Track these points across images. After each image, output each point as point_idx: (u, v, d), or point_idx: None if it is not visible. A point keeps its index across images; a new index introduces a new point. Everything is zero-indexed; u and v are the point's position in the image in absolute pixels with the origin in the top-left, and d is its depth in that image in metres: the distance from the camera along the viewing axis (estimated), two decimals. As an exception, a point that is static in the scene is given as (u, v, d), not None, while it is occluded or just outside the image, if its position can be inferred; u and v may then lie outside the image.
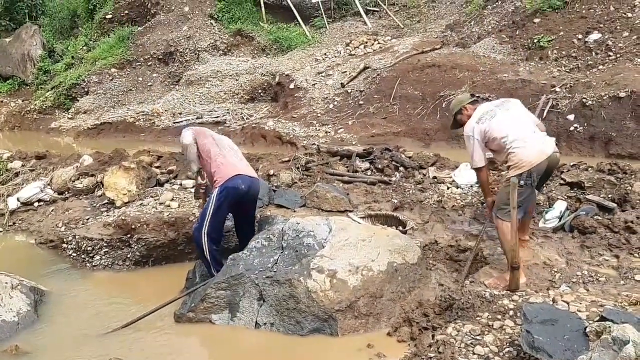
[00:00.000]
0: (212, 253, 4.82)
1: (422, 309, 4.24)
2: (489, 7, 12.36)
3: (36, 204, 7.26)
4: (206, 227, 4.80)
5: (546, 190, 5.84)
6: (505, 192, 4.31)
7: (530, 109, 8.44)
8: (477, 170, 4.67)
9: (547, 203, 5.66)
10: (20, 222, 7.05)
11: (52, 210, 6.99)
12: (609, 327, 2.79)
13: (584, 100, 8.26)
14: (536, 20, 10.56)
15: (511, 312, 3.75)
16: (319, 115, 10.61)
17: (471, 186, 6.26)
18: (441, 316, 4.11)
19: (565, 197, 5.66)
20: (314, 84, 11.62)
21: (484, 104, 4.78)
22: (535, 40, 10.10)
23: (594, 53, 9.38)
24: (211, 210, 4.81)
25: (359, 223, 5.28)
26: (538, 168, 4.30)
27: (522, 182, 4.23)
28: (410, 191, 6.41)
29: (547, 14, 10.50)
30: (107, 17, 17.26)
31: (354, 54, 12.68)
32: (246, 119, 11.40)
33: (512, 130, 4.39)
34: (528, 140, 4.34)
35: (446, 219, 5.64)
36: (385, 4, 15.22)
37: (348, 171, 7.05)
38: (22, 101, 15.97)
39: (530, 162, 4.25)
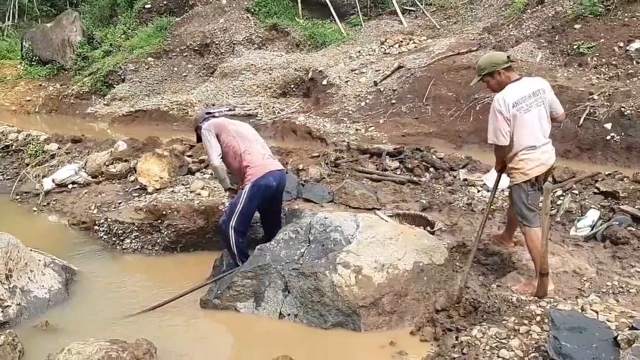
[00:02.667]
0: (238, 246, 4.87)
1: (447, 310, 4.23)
2: (528, 11, 12.17)
3: (70, 186, 7.44)
4: (234, 221, 4.84)
5: (580, 199, 5.75)
6: (519, 197, 4.26)
7: (567, 116, 8.38)
8: (496, 146, 4.32)
9: (580, 211, 5.57)
10: (54, 202, 7.23)
11: (85, 193, 7.15)
12: (641, 337, 2.75)
13: (622, 109, 8.08)
14: (577, 26, 10.36)
15: (538, 318, 3.71)
16: (350, 112, 10.60)
17: (502, 190, 6.19)
18: (466, 318, 4.09)
19: (599, 206, 5.55)
20: (347, 81, 11.61)
21: (521, 82, 4.23)
22: (575, 47, 9.91)
23: (634, 62, 9.16)
24: (241, 206, 4.84)
25: (386, 221, 5.28)
26: (543, 175, 4.26)
27: (534, 187, 4.20)
28: (440, 192, 6.37)
29: (589, 20, 10.29)
30: (146, 6, 17.51)
31: (389, 53, 12.61)
32: (277, 113, 11.46)
33: (535, 136, 4.18)
34: (543, 150, 4.21)
35: (475, 222, 5.59)
36: (422, 4, 15.11)
37: (377, 169, 7.04)
38: (60, 86, 16.30)
39: (539, 171, 4.19)
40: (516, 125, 4.13)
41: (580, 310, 3.68)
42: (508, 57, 4.30)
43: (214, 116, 5.28)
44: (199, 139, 5.29)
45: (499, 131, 4.13)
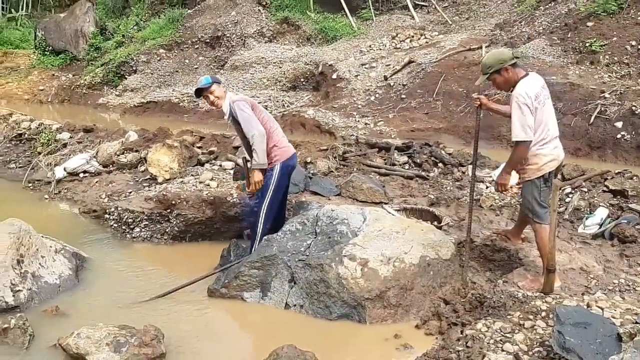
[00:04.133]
0: (264, 231, 4.89)
1: (452, 305, 4.25)
2: (541, 7, 12.09)
3: (81, 175, 7.53)
4: (266, 204, 4.86)
5: (588, 197, 5.75)
6: (531, 193, 4.24)
7: (578, 114, 8.36)
8: (521, 143, 4.06)
9: (588, 209, 5.56)
10: (65, 191, 7.31)
11: (96, 182, 7.23)
12: (644, 331, 2.76)
13: (633, 108, 8.04)
14: (589, 23, 10.28)
15: (543, 314, 3.72)
16: (359, 106, 10.60)
17: (511, 187, 6.18)
18: (471, 313, 4.11)
19: (608, 204, 5.54)
20: (357, 76, 11.60)
21: (532, 75, 4.21)
22: (587, 44, 9.84)
23: (647, 61, 9.11)
24: (273, 187, 4.86)
25: (393, 215, 5.30)
26: (554, 170, 4.27)
27: (548, 184, 4.18)
28: (448, 188, 6.38)
29: (601, 18, 10.21)
30: (158, -2, 17.58)
31: (399, 48, 12.59)
32: (287, 106, 11.47)
33: (549, 130, 4.16)
34: (554, 145, 4.20)
35: (483, 218, 5.60)
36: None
37: (385, 164, 7.05)
38: (73, 76, 16.40)
39: (552, 166, 4.19)
40: (540, 118, 4.09)
41: (585, 307, 3.69)
42: (513, 53, 4.26)
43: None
44: (199, 96, 5.00)
45: (527, 127, 4.00)
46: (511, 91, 4.18)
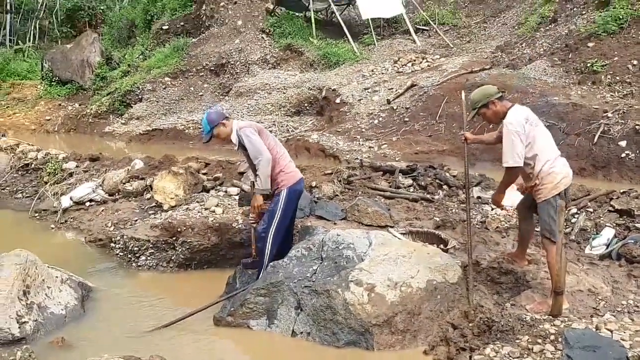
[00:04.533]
0: (271, 257, 4.88)
1: (460, 329, 4.21)
2: (541, 29, 12.21)
3: (88, 204, 7.56)
4: (274, 228, 4.86)
5: (594, 217, 5.72)
6: (548, 212, 4.23)
7: (581, 134, 8.37)
8: (512, 169, 4.26)
9: (595, 230, 5.53)
10: (72, 220, 7.34)
11: (102, 210, 7.25)
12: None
13: (637, 126, 8.05)
14: (590, 44, 10.36)
15: (552, 337, 3.67)
16: (363, 130, 10.66)
17: (512, 207, 6.17)
18: (480, 337, 4.07)
19: (614, 224, 5.52)
20: (360, 100, 11.68)
21: (519, 105, 4.42)
22: (589, 65, 9.91)
23: (649, 79, 9.15)
24: (280, 212, 4.86)
25: (399, 239, 5.28)
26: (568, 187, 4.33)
27: (564, 202, 4.17)
28: (453, 210, 6.37)
29: (602, 39, 10.29)
30: (163, 27, 17.84)
31: (402, 72, 12.70)
32: (291, 131, 11.55)
33: (552, 148, 4.30)
34: (563, 162, 4.30)
35: (489, 240, 5.58)
36: (435, 23, 15.22)
37: (390, 187, 7.06)
38: (79, 105, 16.61)
39: (567, 182, 4.25)
40: (536, 140, 4.21)
41: (594, 329, 3.65)
42: (498, 88, 4.50)
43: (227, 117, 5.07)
44: (210, 140, 5.04)
45: (516, 154, 4.14)
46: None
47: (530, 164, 4.24)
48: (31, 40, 24.70)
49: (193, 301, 4.98)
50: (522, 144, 4.15)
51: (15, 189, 9.04)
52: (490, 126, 8.41)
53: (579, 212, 5.88)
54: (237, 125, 4.93)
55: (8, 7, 24.85)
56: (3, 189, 9.10)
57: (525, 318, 4.04)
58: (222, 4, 16.74)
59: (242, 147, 4.87)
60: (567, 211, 5.79)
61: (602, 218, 5.67)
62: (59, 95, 17.43)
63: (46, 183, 8.66)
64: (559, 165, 4.24)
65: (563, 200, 4.18)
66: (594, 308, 4.23)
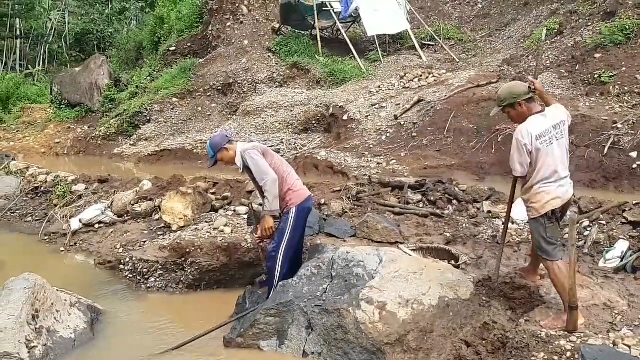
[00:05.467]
0: (282, 276, 4.86)
1: (474, 347, 4.14)
2: (547, 42, 12.20)
3: (97, 226, 7.58)
4: (284, 247, 4.86)
5: (607, 229, 5.64)
6: (538, 231, 4.19)
7: (591, 145, 8.29)
8: (517, 178, 4.32)
9: (608, 242, 5.45)
10: (81, 242, 7.35)
11: (111, 232, 7.26)
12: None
13: (647, 137, 7.97)
14: (597, 55, 10.31)
15: (568, 354, 3.60)
16: (371, 146, 10.64)
17: (527, 222, 6.10)
18: (494, 355, 3.99)
19: (628, 236, 5.43)
20: (367, 116, 11.68)
21: (543, 114, 4.16)
22: (596, 76, 9.85)
23: (658, 89, 9.08)
24: (289, 231, 4.86)
25: (409, 255, 5.23)
26: (559, 209, 4.21)
27: (552, 220, 4.14)
28: (464, 225, 6.30)
29: (609, 50, 10.25)
30: (170, 49, 18.02)
31: (408, 87, 12.69)
32: (299, 148, 11.55)
33: (555, 169, 4.11)
34: (559, 184, 4.14)
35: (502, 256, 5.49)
36: (441, 39, 15.26)
37: (400, 203, 7.01)
38: (88, 127, 16.75)
39: (555, 205, 4.13)
40: (538, 157, 4.08)
41: (611, 345, 3.57)
42: (529, 87, 4.20)
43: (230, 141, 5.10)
44: (215, 164, 5.10)
45: (523, 164, 4.10)
46: None
47: (536, 178, 4.15)
48: (41, 65, 25.08)
49: (203, 322, 4.93)
50: (526, 156, 4.06)
51: (25, 212, 9.08)
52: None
53: (591, 224, 5.80)
54: (241, 147, 4.94)
55: (18, 33, 25.28)
56: (13, 213, 9.15)
57: (541, 334, 3.96)
58: (228, 24, 16.91)
59: (247, 169, 4.88)
60: (579, 224, 5.74)
61: (615, 230, 5.59)
62: (68, 118, 17.61)
63: (56, 206, 8.69)
64: (552, 187, 4.11)
65: (553, 218, 4.13)
66: (610, 323, 4.14)
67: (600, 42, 10.41)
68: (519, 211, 6.21)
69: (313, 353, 4.33)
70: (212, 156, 5.02)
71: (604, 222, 5.77)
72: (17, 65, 25.09)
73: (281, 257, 4.86)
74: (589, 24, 11.66)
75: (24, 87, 20.90)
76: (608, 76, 9.71)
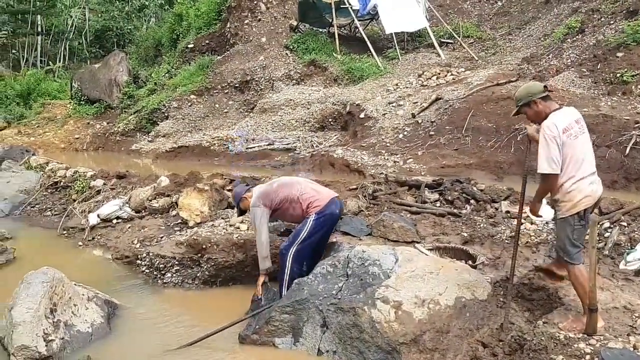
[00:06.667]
0: (291, 275, 4.91)
1: (491, 348, 4.09)
2: (568, 40, 12.01)
3: (115, 221, 7.64)
4: (295, 247, 4.94)
5: (629, 231, 5.54)
6: (564, 231, 4.10)
7: (612, 145, 8.16)
8: (547, 176, 4.06)
9: (629, 244, 5.35)
10: (99, 237, 7.42)
11: (129, 228, 7.31)
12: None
13: (670, 137, 7.81)
14: (619, 54, 10.14)
15: (588, 357, 3.54)
16: (388, 144, 10.58)
17: (546, 223, 6.02)
18: (511, 357, 3.94)
19: (650, 238, 5.33)
20: (384, 114, 11.62)
21: (563, 109, 4.18)
22: (618, 75, 9.68)
23: (682, 89, 8.90)
24: (304, 234, 4.96)
25: (426, 255, 5.19)
26: (591, 207, 4.12)
27: (582, 222, 4.04)
28: (481, 225, 6.23)
29: (631, 48, 10.06)
30: (189, 46, 18.12)
31: (426, 85, 12.60)
32: (316, 146, 11.54)
33: (583, 165, 4.04)
34: (590, 178, 4.08)
35: (519, 256, 5.41)
36: (460, 36, 15.12)
37: (416, 202, 6.96)
38: (107, 123, 16.92)
39: (588, 203, 4.04)
40: (566, 152, 4.01)
41: (632, 349, 3.50)
42: (545, 86, 4.22)
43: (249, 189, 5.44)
44: (242, 212, 5.50)
45: (552, 159, 3.98)
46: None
47: (566, 175, 4.05)
48: (61, 61, 25.35)
49: (218, 319, 4.95)
50: (559, 149, 3.97)
51: (44, 206, 9.19)
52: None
53: (612, 226, 5.70)
54: (256, 194, 5.23)
55: (39, 30, 25.59)
56: (33, 207, 9.26)
57: (559, 337, 3.90)
58: (246, 22, 16.95)
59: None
60: (599, 225, 5.64)
61: (636, 232, 5.49)
62: (88, 114, 17.79)
63: (74, 201, 8.79)
64: (583, 184, 4.03)
65: (583, 220, 4.02)
66: (630, 326, 4.07)
67: (623, 40, 10.23)
68: (543, 212, 6.11)
69: (328, 351, 4.32)
70: (236, 206, 5.56)
71: (625, 224, 5.67)
72: (37, 61, 25.40)
73: (290, 256, 4.94)
74: (611, 22, 11.47)
75: (45, 83, 21.12)
76: (630, 75, 9.54)
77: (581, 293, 4.06)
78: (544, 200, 4.48)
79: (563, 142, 3.97)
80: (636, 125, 8.32)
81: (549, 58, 11.88)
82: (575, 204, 4.02)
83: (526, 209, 6.34)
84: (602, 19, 11.83)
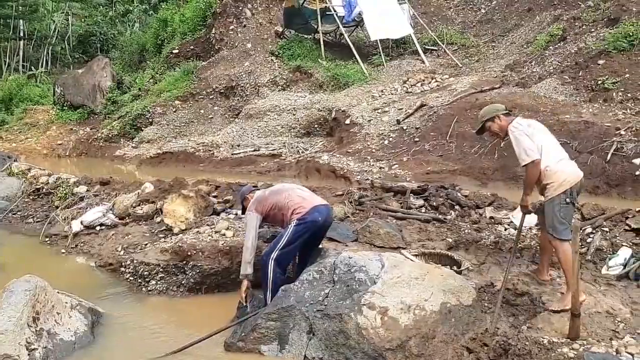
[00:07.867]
0: (275, 282, 4.87)
1: (476, 353, 4.11)
2: (550, 47, 12.20)
3: (98, 228, 7.54)
4: (276, 253, 4.91)
5: (610, 236, 5.61)
6: (552, 210, 4.43)
7: (594, 152, 8.28)
8: (528, 165, 4.41)
9: (611, 249, 5.42)
10: (82, 244, 7.32)
11: (112, 235, 7.23)
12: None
13: (651, 144, 7.95)
14: (600, 61, 10.31)
15: (571, 362, 3.58)
16: (373, 150, 10.63)
17: (530, 228, 6.08)
18: (495, 362, 3.97)
19: (631, 243, 5.40)
20: (370, 120, 11.68)
21: (522, 118, 4.78)
22: (600, 82, 9.85)
23: (662, 96, 9.07)
24: (285, 240, 4.93)
25: (412, 261, 5.21)
26: (577, 187, 4.48)
27: (568, 200, 4.40)
28: (466, 231, 6.28)
29: (612, 56, 10.25)
30: (173, 51, 18.06)
31: (411, 92, 12.70)
32: (301, 152, 11.56)
33: (557, 150, 4.55)
34: (568, 161, 4.56)
35: (503, 261, 5.48)
36: (444, 43, 15.26)
37: (402, 207, 7.00)
38: (90, 129, 16.77)
39: (573, 181, 4.43)
40: (538, 141, 4.47)
41: (614, 353, 3.55)
42: (506, 107, 4.91)
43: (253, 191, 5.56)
44: (245, 211, 5.50)
45: (528, 149, 4.41)
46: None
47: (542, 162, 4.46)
48: (44, 66, 25.13)
49: (203, 326, 4.91)
50: (529, 138, 4.43)
51: (26, 213, 9.06)
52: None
53: (594, 231, 5.78)
54: (253, 199, 5.31)
55: (21, 34, 25.36)
56: (14, 214, 9.13)
57: (543, 341, 3.94)
58: (231, 27, 16.95)
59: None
60: (581, 231, 5.71)
61: (618, 237, 5.56)
62: (71, 120, 17.64)
63: (57, 207, 8.67)
64: (565, 165, 4.49)
65: (569, 198, 4.40)
66: (613, 330, 4.12)
67: (604, 48, 10.42)
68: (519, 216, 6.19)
69: (314, 358, 4.30)
70: (240, 203, 5.68)
71: (606, 229, 5.75)
72: (20, 66, 25.16)
73: (272, 263, 4.92)
74: (592, 30, 11.68)
75: (27, 88, 20.92)
76: (611, 82, 9.71)
77: (566, 269, 4.34)
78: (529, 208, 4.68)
79: (532, 132, 4.50)
80: (617, 132, 8.46)
81: (531, 65, 12.04)
82: (561, 183, 4.40)
83: (512, 213, 6.45)
84: (584, 27, 12.05)
